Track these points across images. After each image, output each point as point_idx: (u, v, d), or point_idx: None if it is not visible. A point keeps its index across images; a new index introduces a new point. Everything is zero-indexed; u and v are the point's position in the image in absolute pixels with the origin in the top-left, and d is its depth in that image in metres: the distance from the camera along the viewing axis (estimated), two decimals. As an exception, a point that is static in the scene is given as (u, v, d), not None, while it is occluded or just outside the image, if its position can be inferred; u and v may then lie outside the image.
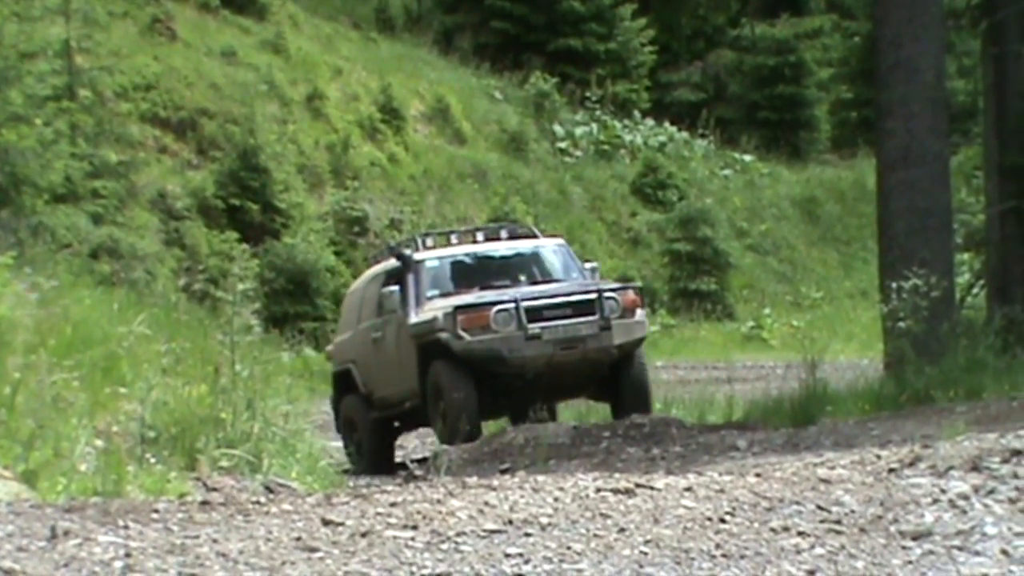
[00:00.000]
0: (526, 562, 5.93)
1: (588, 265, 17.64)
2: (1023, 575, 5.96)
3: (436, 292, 16.42)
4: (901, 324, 14.29)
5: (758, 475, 7.84)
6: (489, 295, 16.04)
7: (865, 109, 37.17)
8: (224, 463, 8.97)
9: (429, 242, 17.50)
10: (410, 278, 16.57)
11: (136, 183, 25.63)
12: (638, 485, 7.35)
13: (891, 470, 7.66)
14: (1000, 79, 17.76)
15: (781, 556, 6.15)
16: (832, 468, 7.94)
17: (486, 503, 6.90)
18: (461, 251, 17.19)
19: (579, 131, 37.78)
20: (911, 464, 7.72)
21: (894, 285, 14.50)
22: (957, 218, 18.21)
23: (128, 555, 5.87)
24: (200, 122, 28.62)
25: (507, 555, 6.01)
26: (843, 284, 36.82)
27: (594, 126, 38.18)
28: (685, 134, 39.89)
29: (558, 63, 38.97)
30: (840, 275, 37.52)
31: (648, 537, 6.34)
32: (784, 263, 37.67)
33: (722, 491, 7.29)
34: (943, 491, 7.05)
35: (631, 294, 16.32)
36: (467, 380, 15.54)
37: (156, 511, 6.72)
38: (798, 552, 6.21)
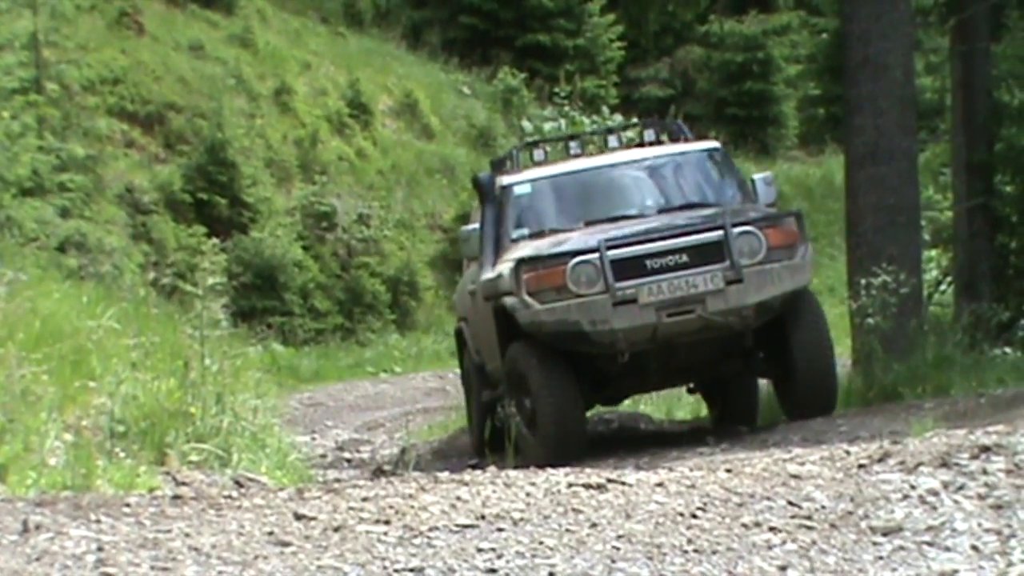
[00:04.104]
0: (499, 557, 5.93)
1: (759, 176, 12.74)
2: (993, 571, 5.99)
3: (524, 232, 12.02)
4: (869, 320, 14.31)
5: (728, 471, 7.85)
6: (574, 239, 11.41)
7: (833, 106, 37.21)
8: (193, 457, 8.96)
9: (538, 155, 12.90)
10: (489, 212, 12.18)
11: (103, 177, 25.51)
12: (610, 480, 7.36)
13: (861, 466, 7.68)
14: (968, 76, 17.84)
15: (753, 551, 6.16)
16: (802, 464, 7.95)
17: (458, 498, 6.90)
18: (562, 169, 12.48)
19: (547, 126, 37.61)
20: (880, 460, 7.73)
21: (862, 282, 14.54)
22: (925, 215, 18.26)
23: (100, 549, 5.86)
24: (168, 116, 28.49)
25: (480, 550, 6.01)
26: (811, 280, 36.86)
27: (563, 122, 38.05)
28: (653, 130, 39.90)
29: (526, 58, 38.94)
30: (807, 271, 37.56)
31: (620, 532, 6.35)
32: (752, 259, 37.69)
33: (693, 487, 7.29)
34: (913, 487, 7.07)
35: (784, 226, 11.64)
36: (563, 371, 11.07)
37: (128, 505, 6.70)
38: (770, 547, 6.23)
